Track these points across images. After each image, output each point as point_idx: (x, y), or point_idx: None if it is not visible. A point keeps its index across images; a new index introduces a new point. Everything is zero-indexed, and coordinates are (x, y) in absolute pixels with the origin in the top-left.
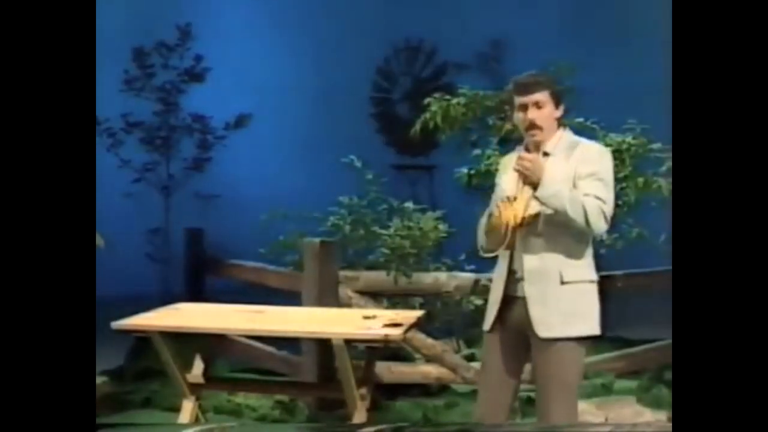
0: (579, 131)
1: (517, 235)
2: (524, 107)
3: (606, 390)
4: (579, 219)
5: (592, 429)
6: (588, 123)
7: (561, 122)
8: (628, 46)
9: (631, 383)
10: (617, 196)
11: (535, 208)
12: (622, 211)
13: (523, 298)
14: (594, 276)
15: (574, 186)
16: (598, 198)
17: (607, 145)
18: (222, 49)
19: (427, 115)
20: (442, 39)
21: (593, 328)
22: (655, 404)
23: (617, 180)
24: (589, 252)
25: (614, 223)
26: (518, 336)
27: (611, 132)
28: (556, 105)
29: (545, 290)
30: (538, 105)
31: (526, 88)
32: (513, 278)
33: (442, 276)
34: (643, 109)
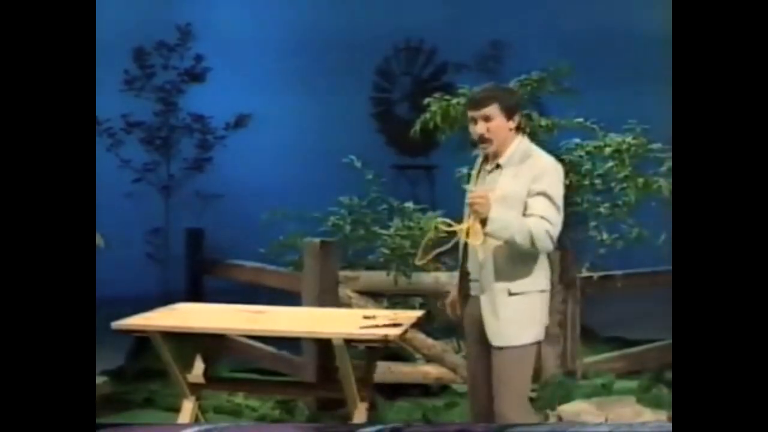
0: (579, 131)
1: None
2: (474, 120)
3: (606, 390)
4: (526, 243)
5: (592, 429)
6: (588, 123)
7: (520, 130)
8: (629, 46)
9: (631, 383)
10: (617, 196)
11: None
12: (622, 211)
13: (477, 298)
14: (544, 286)
15: (525, 204)
16: (544, 218)
17: (606, 145)
18: (222, 49)
19: (427, 115)
20: (442, 39)
21: (538, 334)
22: (655, 404)
23: (617, 180)
24: (540, 262)
25: (614, 223)
26: (480, 334)
27: (611, 132)
28: (509, 117)
29: (494, 301)
30: (486, 118)
31: (475, 103)
32: (467, 278)
33: (442, 276)
34: (643, 109)
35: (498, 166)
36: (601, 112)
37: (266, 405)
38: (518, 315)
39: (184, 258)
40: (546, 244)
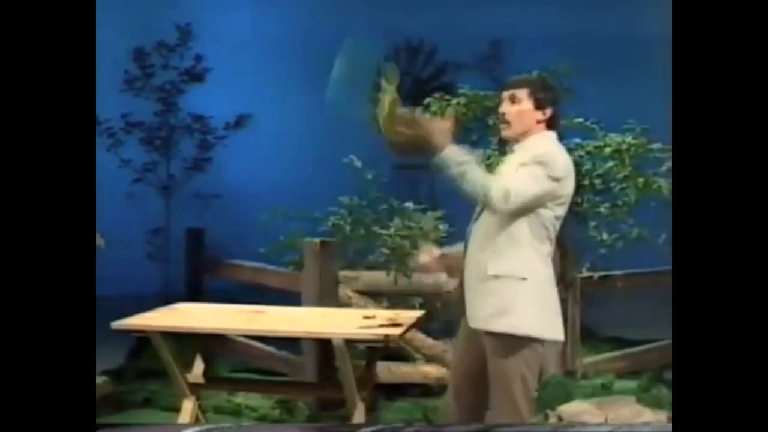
0: (579, 131)
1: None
2: (501, 101)
3: (606, 390)
4: (474, 189)
5: (592, 429)
6: (588, 123)
7: (549, 126)
8: (628, 46)
9: (631, 383)
10: (617, 196)
11: None
12: (622, 211)
13: None
14: (526, 273)
15: None
16: (509, 177)
17: (606, 145)
18: (222, 49)
19: (427, 115)
20: (442, 39)
21: (518, 326)
22: (655, 404)
23: (617, 180)
24: (526, 249)
25: (614, 223)
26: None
27: (611, 132)
28: (537, 106)
29: (472, 280)
30: (513, 99)
31: (508, 84)
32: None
33: (442, 276)
34: (643, 109)
35: (512, 151)
36: (601, 112)
37: (266, 405)
38: (491, 298)
39: (184, 258)
40: (498, 199)
